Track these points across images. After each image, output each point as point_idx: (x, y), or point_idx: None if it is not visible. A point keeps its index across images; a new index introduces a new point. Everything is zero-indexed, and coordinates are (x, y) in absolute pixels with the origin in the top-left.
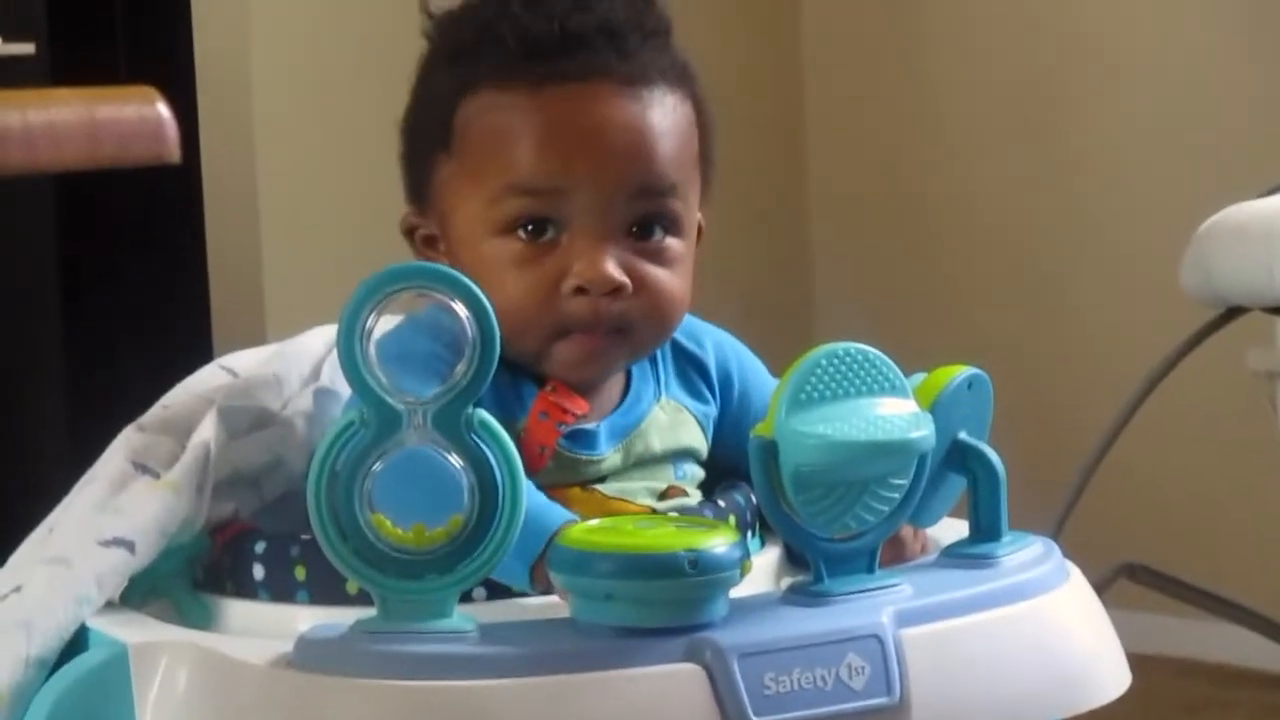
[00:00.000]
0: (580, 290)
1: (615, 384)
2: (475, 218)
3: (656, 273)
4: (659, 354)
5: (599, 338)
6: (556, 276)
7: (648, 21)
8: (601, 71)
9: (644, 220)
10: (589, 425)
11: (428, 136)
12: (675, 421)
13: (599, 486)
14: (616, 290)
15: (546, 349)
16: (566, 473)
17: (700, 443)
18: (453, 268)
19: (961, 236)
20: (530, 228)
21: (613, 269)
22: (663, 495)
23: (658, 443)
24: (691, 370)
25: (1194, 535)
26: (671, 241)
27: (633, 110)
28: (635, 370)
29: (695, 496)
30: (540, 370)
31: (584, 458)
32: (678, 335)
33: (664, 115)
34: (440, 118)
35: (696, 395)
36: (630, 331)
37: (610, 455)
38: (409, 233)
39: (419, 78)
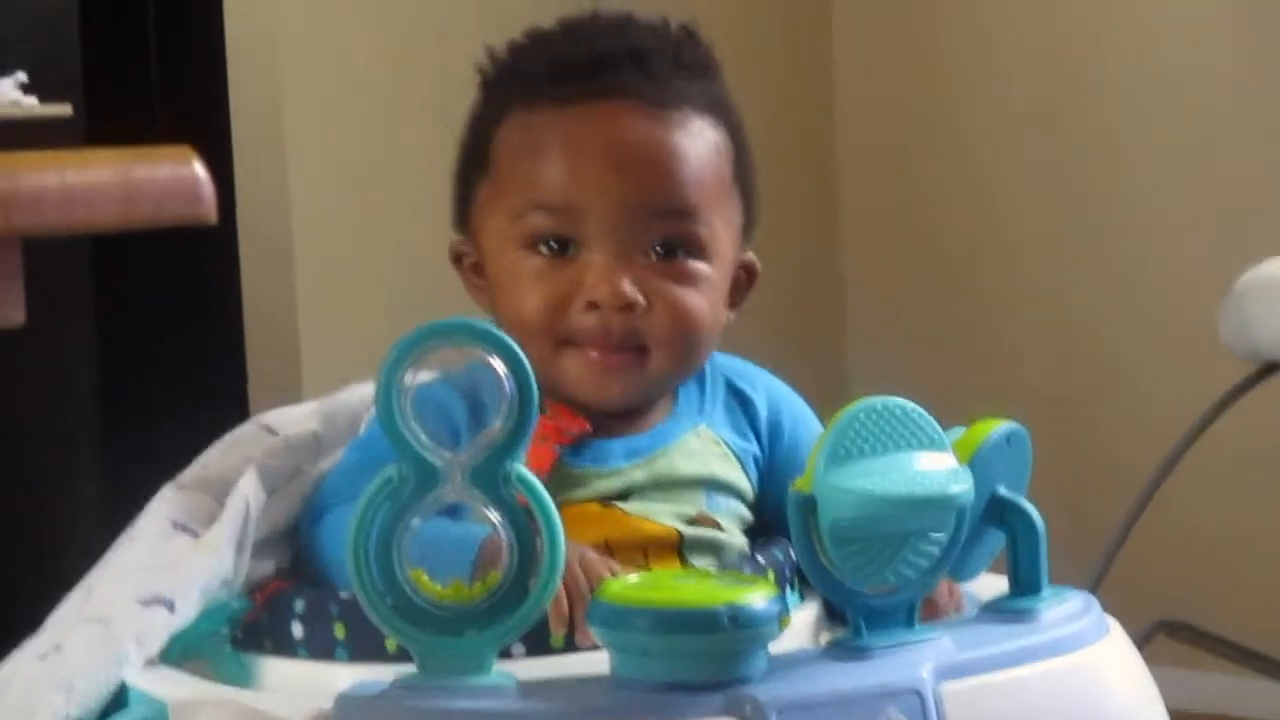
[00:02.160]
0: (592, 305)
1: (655, 411)
2: (501, 232)
3: (676, 291)
4: (708, 385)
5: (610, 354)
6: (572, 291)
7: (685, 53)
8: (626, 92)
9: (665, 241)
10: (601, 438)
11: (470, 162)
12: (708, 451)
13: (620, 504)
14: (629, 307)
15: (556, 361)
16: (579, 488)
17: (737, 478)
18: (488, 286)
19: (999, 289)
20: (552, 244)
21: (626, 285)
22: (692, 521)
23: (684, 466)
24: (738, 407)
25: (1233, 591)
26: (695, 264)
27: (653, 129)
28: (682, 396)
29: (731, 532)
30: (555, 390)
31: (593, 470)
32: (730, 374)
33: (688, 137)
34: (479, 142)
35: (739, 432)
36: (646, 353)
37: (628, 470)
38: (456, 260)
39: (469, 111)
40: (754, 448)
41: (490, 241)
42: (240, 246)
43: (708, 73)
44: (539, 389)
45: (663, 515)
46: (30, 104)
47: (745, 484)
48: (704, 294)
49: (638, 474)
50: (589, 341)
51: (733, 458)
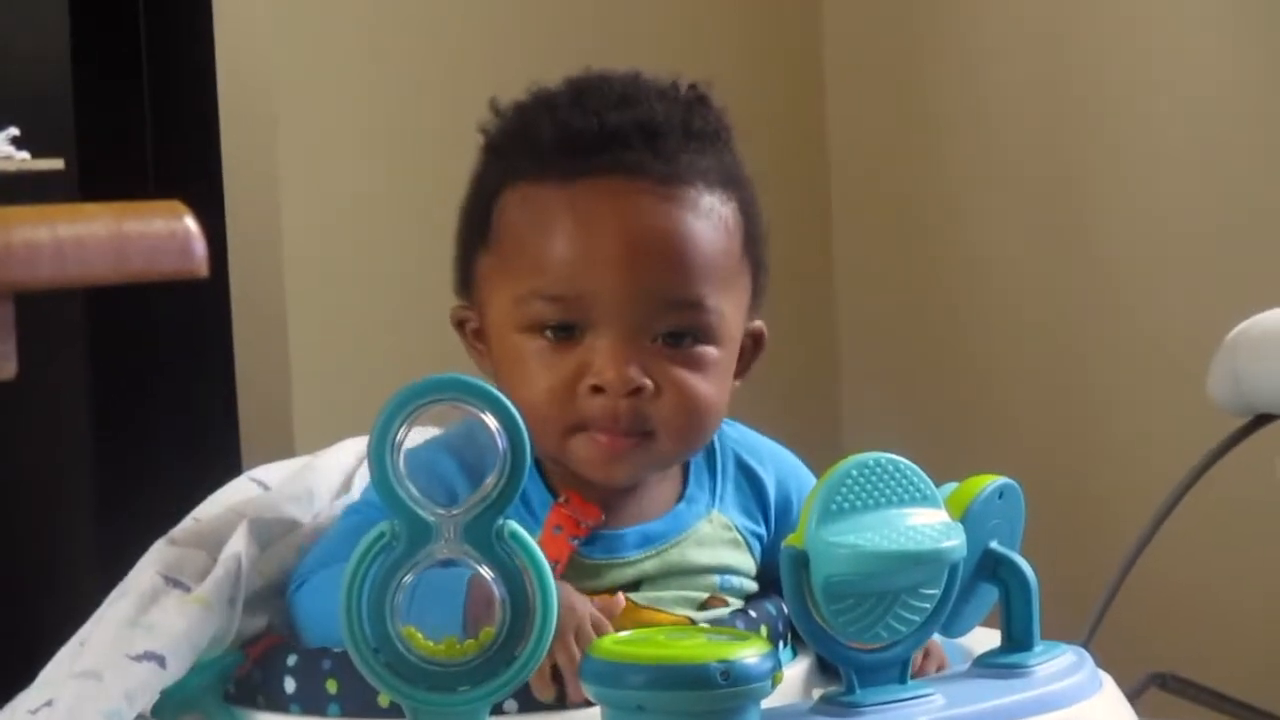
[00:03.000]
0: (597, 389)
1: (666, 490)
2: (504, 312)
3: (683, 376)
4: (719, 465)
5: (619, 438)
6: (577, 375)
7: (695, 122)
8: (634, 169)
9: (673, 330)
10: (615, 529)
11: (471, 228)
12: (719, 537)
13: (632, 595)
14: (636, 391)
15: (564, 445)
16: (593, 579)
17: (745, 562)
18: (492, 356)
19: (990, 345)
20: (556, 328)
21: (632, 370)
22: (704, 605)
23: (696, 556)
24: (748, 487)
25: (1226, 644)
26: (703, 349)
27: (663, 213)
28: (692, 480)
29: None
30: (566, 466)
31: (604, 562)
32: (739, 449)
33: (698, 219)
34: (482, 210)
35: (748, 514)
36: (654, 435)
37: (640, 561)
38: (459, 325)
39: (474, 171)
40: (760, 529)
41: (493, 318)
42: (232, 301)
43: (718, 141)
44: (550, 471)
45: (674, 604)
46: (23, 158)
47: (751, 564)
48: (711, 379)
49: (650, 564)
50: (596, 426)
51: (742, 542)
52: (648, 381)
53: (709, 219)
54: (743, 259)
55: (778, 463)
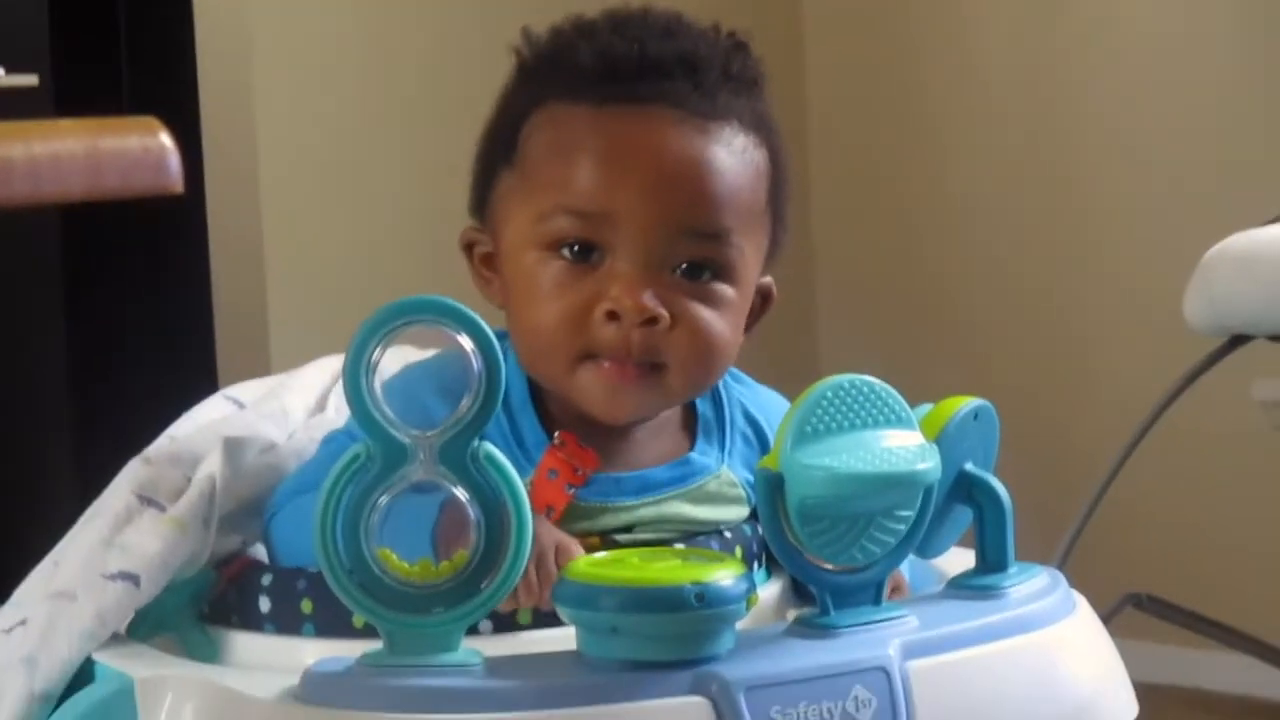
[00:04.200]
0: (612, 316)
1: (667, 441)
2: (524, 232)
3: (700, 310)
4: (727, 421)
5: (629, 369)
6: (592, 300)
7: (734, 66)
8: (671, 99)
9: (693, 261)
10: (613, 474)
11: (495, 149)
12: (725, 495)
13: (621, 537)
14: (651, 321)
15: (572, 373)
16: (586, 520)
17: (742, 513)
18: (501, 283)
19: (966, 268)
20: (575, 249)
21: (648, 299)
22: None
23: (697, 511)
24: (755, 440)
25: (1201, 565)
26: (721, 287)
27: (695, 142)
28: (700, 435)
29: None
30: (567, 403)
31: (599, 505)
32: (746, 404)
33: (729, 156)
34: (508, 130)
35: (750, 466)
36: (664, 369)
37: (637, 507)
38: (468, 248)
39: (501, 94)
40: None
41: (510, 238)
42: (208, 217)
43: (754, 88)
44: (548, 410)
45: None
46: None
47: (746, 511)
48: (726, 317)
49: (646, 511)
50: (607, 353)
51: (745, 498)
52: (664, 311)
53: (741, 158)
54: (767, 207)
55: (778, 408)
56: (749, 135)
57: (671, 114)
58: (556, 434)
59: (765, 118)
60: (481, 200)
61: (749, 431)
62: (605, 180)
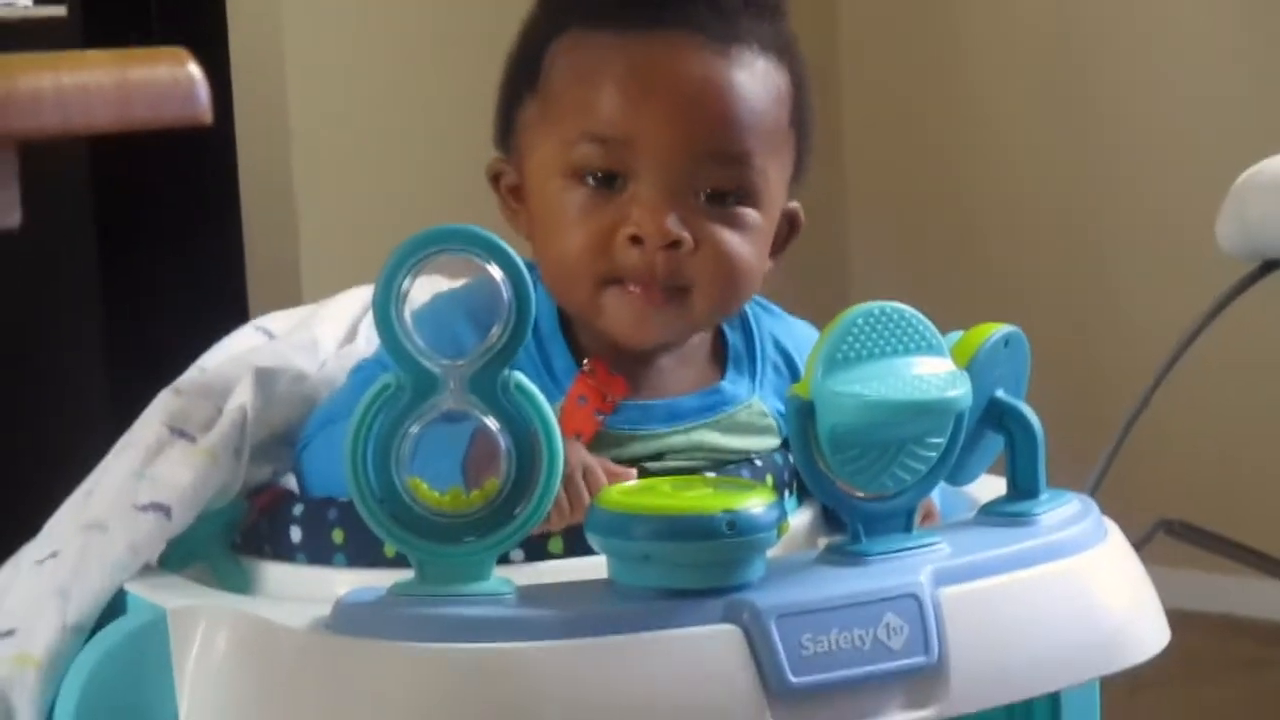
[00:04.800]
0: (636, 240)
1: (696, 371)
2: (548, 160)
3: (723, 233)
4: (757, 351)
5: (654, 293)
6: (615, 225)
7: None
8: (693, 24)
9: (717, 186)
10: (643, 401)
11: (518, 78)
12: (754, 425)
13: (651, 465)
14: (674, 245)
15: (597, 299)
16: (615, 448)
17: (773, 443)
18: (526, 213)
19: (997, 196)
20: (599, 175)
21: (671, 222)
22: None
23: (727, 440)
24: (785, 369)
25: (1232, 491)
26: (745, 210)
27: (716, 67)
28: (731, 365)
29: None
30: (595, 330)
31: (629, 433)
32: (777, 334)
33: (751, 79)
34: (531, 58)
35: (781, 395)
36: (688, 293)
37: (668, 435)
38: (494, 179)
39: (524, 22)
40: None
41: (534, 167)
42: (238, 149)
43: (775, 11)
44: (577, 338)
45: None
46: (25, 5)
47: (776, 442)
48: (751, 240)
49: (676, 439)
50: (632, 278)
51: (775, 428)
52: (687, 235)
53: (763, 81)
54: (790, 130)
55: (807, 337)
56: (770, 58)
57: (692, 39)
58: (586, 361)
59: (787, 40)
60: (506, 130)
61: (779, 361)
62: (627, 106)
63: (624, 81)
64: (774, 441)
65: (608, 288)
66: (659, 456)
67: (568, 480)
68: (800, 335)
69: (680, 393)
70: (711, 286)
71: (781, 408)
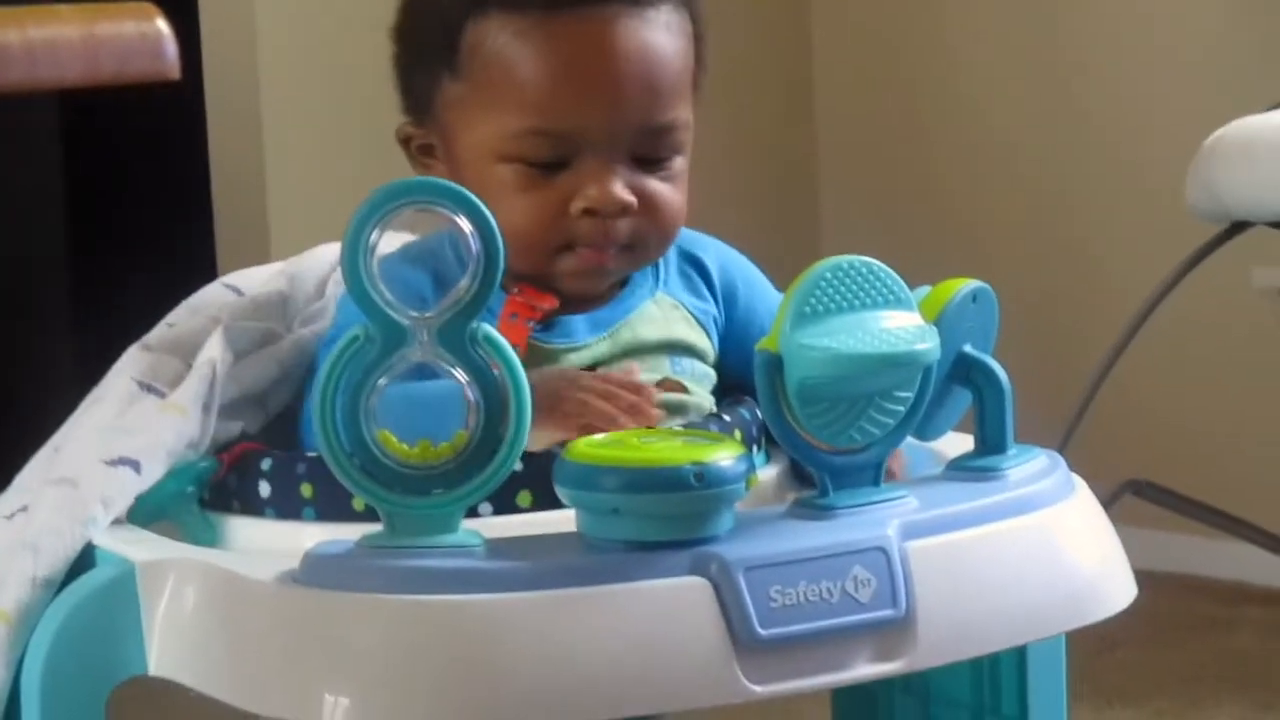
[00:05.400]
0: (589, 211)
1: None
2: (486, 145)
3: (662, 190)
4: (661, 259)
5: (607, 254)
6: (565, 198)
7: None
8: None
9: (651, 152)
10: (567, 315)
11: (430, 52)
12: (670, 316)
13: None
14: (625, 210)
15: (550, 264)
16: (550, 363)
17: (699, 339)
18: (449, 174)
19: (967, 151)
20: (544, 162)
21: (621, 191)
22: (657, 387)
23: (648, 332)
24: (692, 270)
25: (1200, 452)
26: (675, 160)
27: (640, 38)
28: (635, 273)
29: (697, 393)
30: (548, 284)
31: (561, 346)
32: (680, 241)
33: (669, 38)
34: (445, 35)
35: (695, 293)
36: (636, 248)
37: (594, 344)
38: (404, 141)
39: None
40: (712, 309)
41: (468, 146)
42: (207, 104)
43: None
44: (510, 275)
45: None
46: None
47: (707, 345)
48: (680, 188)
49: (603, 346)
50: (585, 243)
51: (693, 320)
52: (634, 200)
53: (673, 34)
54: (694, 62)
55: (718, 249)
56: (678, 8)
57: (612, 12)
58: (515, 286)
59: None
60: (418, 100)
61: (685, 264)
62: (569, 99)
63: (561, 73)
64: (698, 333)
65: (560, 254)
66: (592, 368)
67: (607, 395)
68: (703, 239)
69: (600, 304)
70: (658, 238)
71: (696, 302)
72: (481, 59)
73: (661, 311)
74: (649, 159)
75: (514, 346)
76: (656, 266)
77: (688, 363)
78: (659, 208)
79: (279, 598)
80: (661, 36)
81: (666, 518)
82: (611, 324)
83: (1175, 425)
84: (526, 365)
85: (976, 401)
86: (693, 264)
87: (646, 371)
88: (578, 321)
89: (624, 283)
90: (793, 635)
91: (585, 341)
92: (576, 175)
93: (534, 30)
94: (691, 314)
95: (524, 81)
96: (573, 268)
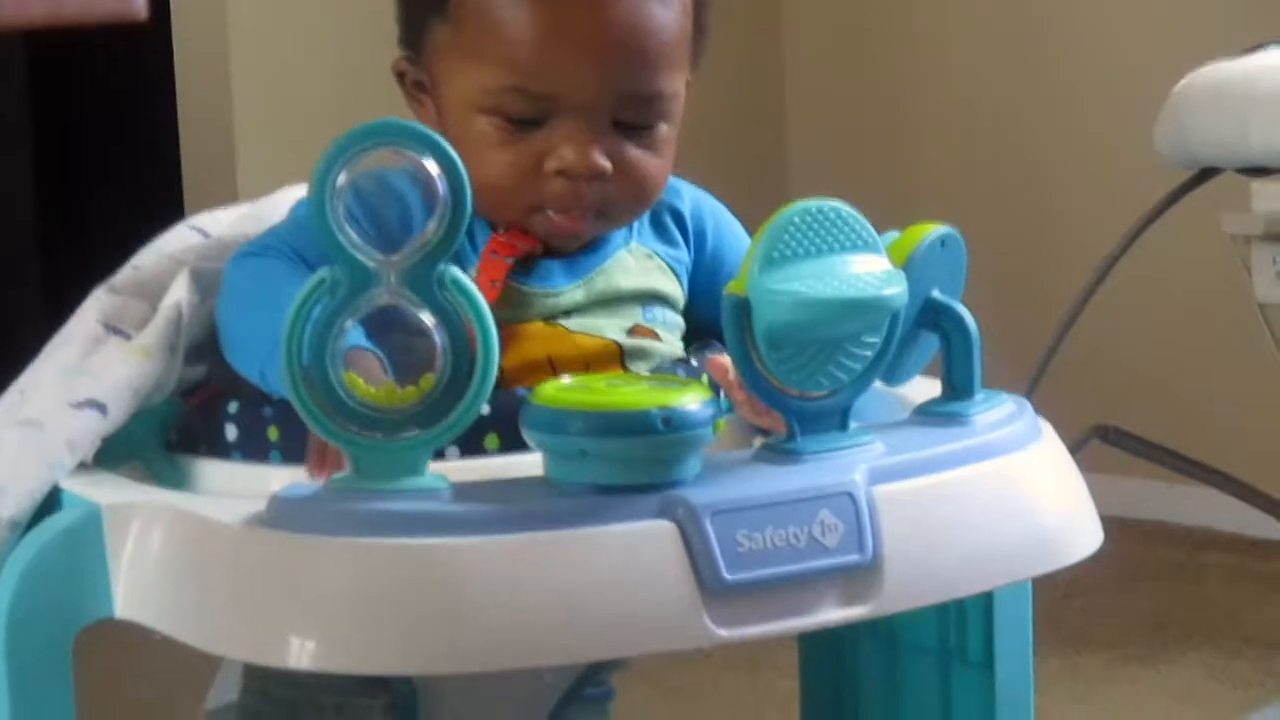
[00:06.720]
0: (562, 173)
1: None
2: (466, 96)
3: (641, 157)
4: None
5: (578, 219)
6: (540, 156)
7: None
8: None
9: (633, 119)
10: (547, 259)
11: None
12: (644, 266)
13: (563, 321)
14: (599, 175)
15: (523, 220)
16: (525, 308)
17: (672, 288)
18: (438, 126)
19: (936, 99)
20: (523, 119)
21: (596, 155)
22: (630, 333)
23: (622, 281)
24: (667, 217)
25: (1167, 399)
26: (660, 128)
27: (632, 6)
28: None
29: (668, 340)
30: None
31: (539, 290)
32: (666, 197)
33: (663, 6)
34: None
35: (669, 241)
36: (609, 212)
37: (569, 290)
38: (400, 75)
39: None
40: (684, 255)
41: (450, 94)
42: (174, 46)
43: None
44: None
45: (603, 330)
46: None
47: (678, 292)
48: (664, 154)
49: (578, 293)
50: (556, 206)
51: (667, 268)
52: (609, 166)
53: (671, 4)
54: (692, 30)
55: (693, 195)
56: None
57: None
58: (501, 226)
59: None
60: (413, 41)
61: (662, 215)
62: (550, 60)
63: (545, 34)
64: (670, 281)
65: (533, 213)
66: (567, 314)
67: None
68: (676, 182)
69: (574, 250)
70: (632, 204)
71: (669, 250)
72: (470, 8)
73: (636, 261)
74: (631, 125)
75: (493, 282)
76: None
77: (659, 311)
78: (635, 175)
79: (245, 540)
80: (654, 3)
81: (633, 461)
82: (587, 272)
83: (1143, 371)
84: (503, 307)
85: (944, 347)
86: (667, 210)
87: (619, 319)
88: (555, 267)
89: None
90: (759, 580)
91: (561, 287)
92: (553, 135)
93: None
94: (665, 263)
95: (506, 38)
96: (545, 227)
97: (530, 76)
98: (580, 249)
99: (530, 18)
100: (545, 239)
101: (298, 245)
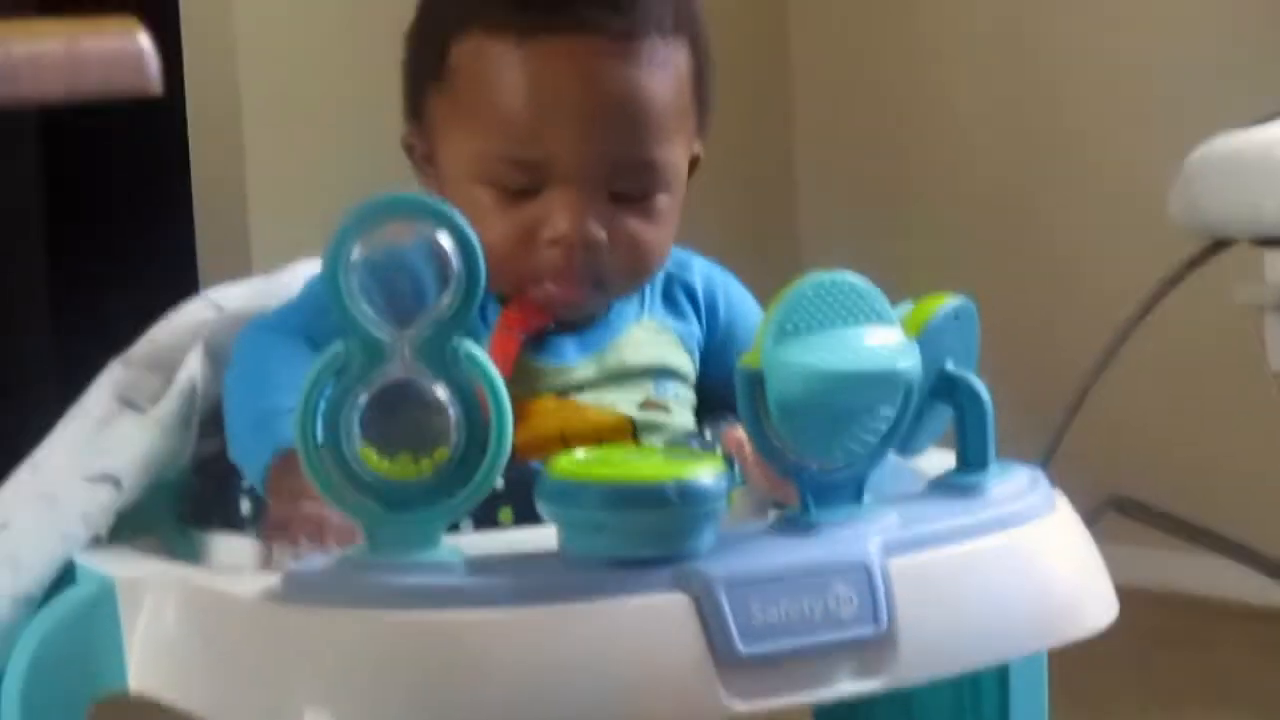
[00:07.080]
0: (555, 242)
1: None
2: (463, 164)
3: (637, 227)
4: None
5: (572, 288)
6: (535, 226)
7: None
8: (592, 26)
9: (628, 189)
10: (557, 335)
11: (423, 61)
12: (656, 340)
13: (575, 396)
14: (593, 245)
15: (521, 291)
16: (536, 383)
17: (683, 362)
18: (439, 191)
19: (948, 167)
20: (516, 189)
21: (590, 224)
22: (642, 407)
23: (634, 356)
24: (678, 291)
25: (1181, 469)
26: (655, 199)
27: (622, 75)
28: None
29: (679, 414)
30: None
31: (551, 366)
32: (672, 270)
33: (655, 74)
34: (434, 48)
35: (680, 315)
36: (605, 284)
37: (581, 365)
38: (409, 149)
39: (421, 4)
40: (695, 329)
41: (448, 163)
42: (189, 120)
43: None
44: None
45: (615, 404)
46: None
47: (689, 366)
48: (661, 226)
49: (590, 368)
50: (551, 277)
51: (678, 343)
52: (603, 237)
53: (664, 70)
54: (692, 100)
55: (704, 268)
56: (669, 40)
57: (593, 44)
58: (512, 299)
59: (683, 10)
60: (415, 107)
61: (671, 285)
62: (540, 130)
63: (533, 101)
64: (681, 355)
65: (531, 284)
66: (580, 389)
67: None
68: (685, 254)
69: (584, 325)
70: (630, 274)
71: (679, 325)
72: (463, 77)
73: (648, 335)
74: (628, 195)
75: (505, 356)
76: (642, 290)
77: (670, 385)
78: (632, 245)
79: (259, 613)
80: (645, 74)
81: (648, 534)
82: (597, 347)
83: (1158, 441)
84: (516, 382)
85: (958, 418)
86: (679, 284)
87: (631, 394)
88: (567, 342)
89: (609, 305)
90: (774, 652)
91: (573, 363)
92: (547, 204)
93: (510, 54)
94: (677, 337)
95: (497, 105)
96: (541, 297)
97: (521, 144)
98: (591, 323)
99: (521, 84)
100: (544, 310)
101: (306, 321)
